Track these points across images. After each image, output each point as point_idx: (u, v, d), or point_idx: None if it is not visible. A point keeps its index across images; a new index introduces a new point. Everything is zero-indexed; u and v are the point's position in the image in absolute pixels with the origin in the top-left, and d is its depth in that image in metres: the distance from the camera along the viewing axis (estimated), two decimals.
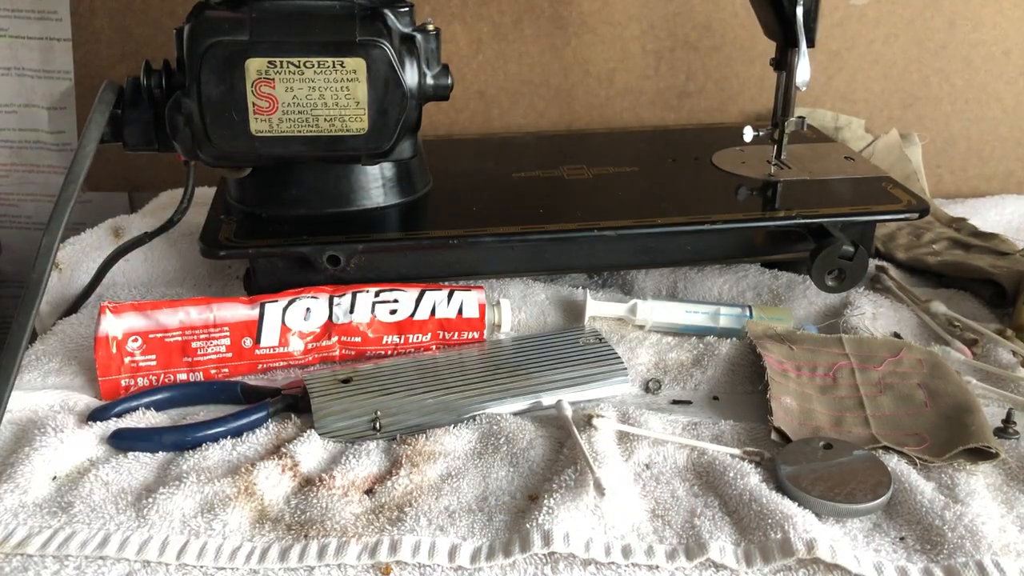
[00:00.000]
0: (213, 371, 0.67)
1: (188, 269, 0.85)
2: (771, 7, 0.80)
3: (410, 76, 0.71)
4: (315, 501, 0.54)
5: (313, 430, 0.60)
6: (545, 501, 0.52)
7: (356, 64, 0.69)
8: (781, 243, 0.80)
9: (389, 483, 0.55)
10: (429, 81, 0.73)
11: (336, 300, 0.69)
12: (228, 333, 0.67)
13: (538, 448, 0.59)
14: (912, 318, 0.76)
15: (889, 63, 1.07)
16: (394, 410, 0.61)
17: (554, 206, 0.80)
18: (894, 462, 0.57)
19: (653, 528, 0.52)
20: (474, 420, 0.62)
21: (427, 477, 0.56)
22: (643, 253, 0.79)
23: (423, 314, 0.70)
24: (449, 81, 0.74)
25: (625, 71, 1.08)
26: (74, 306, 0.79)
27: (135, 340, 0.65)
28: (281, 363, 0.69)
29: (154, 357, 0.66)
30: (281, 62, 0.68)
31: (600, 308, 0.75)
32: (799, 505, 0.53)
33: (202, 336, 0.66)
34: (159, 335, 0.66)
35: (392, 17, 0.71)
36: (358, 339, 0.69)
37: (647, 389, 0.67)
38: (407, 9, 0.73)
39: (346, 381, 0.64)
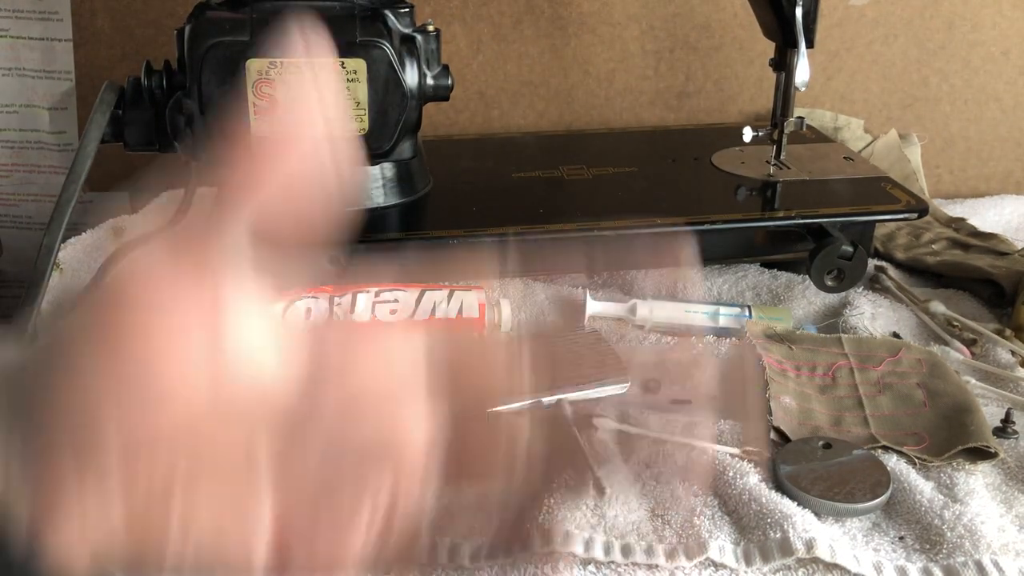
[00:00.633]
0: None
1: None
2: (770, 8, 0.80)
3: (410, 77, 0.71)
4: None
5: None
6: (545, 500, 0.52)
7: (356, 65, 0.69)
8: (780, 243, 0.80)
9: None
10: (429, 81, 0.73)
11: (336, 300, 0.69)
12: None
13: (538, 448, 0.59)
14: (911, 318, 0.76)
15: (888, 63, 1.07)
16: None
17: (554, 206, 0.80)
18: (893, 462, 0.57)
19: (653, 527, 0.52)
20: None
21: None
22: (643, 253, 0.79)
23: (423, 314, 0.70)
24: (449, 82, 0.74)
25: (625, 71, 1.08)
26: (74, 306, 0.79)
27: None
28: None
29: None
30: (281, 62, 0.68)
31: (600, 308, 0.75)
32: (798, 504, 0.53)
33: None
34: None
35: (392, 18, 0.71)
36: None
37: (647, 389, 0.67)
38: (407, 10, 0.73)
39: None
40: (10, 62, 1.07)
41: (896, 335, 0.72)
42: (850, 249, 0.74)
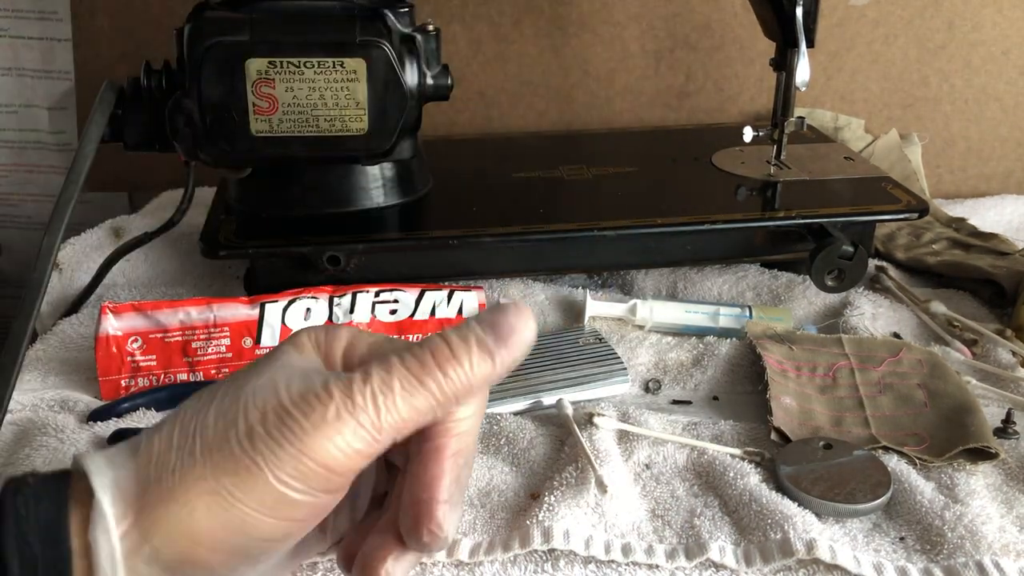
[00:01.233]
0: (213, 371, 0.67)
1: (188, 269, 0.85)
2: (771, 7, 0.80)
3: (410, 76, 0.71)
4: None
5: None
6: (546, 498, 0.52)
7: (356, 64, 0.69)
8: (781, 243, 0.80)
9: None
10: (429, 81, 0.73)
11: (336, 300, 0.69)
12: (228, 333, 0.67)
13: (539, 447, 0.59)
14: (912, 318, 0.76)
15: (889, 63, 1.07)
16: None
17: (554, 206, 0.80)
18: (894, 462, 0.57)
19: (653, 527, 0.52)
20: None
21: None
22: (643, 253, 0.79)
23: (423, 314, 0.70)
24: (449, 81, 0.74)
25: (625, 71, 1.08)
26: (74, 306, 0.79)
27: (135, 340, 0.66)
28: None
29: (154, 357, 0.66)
30: (281, 62, 0.68)
31: (600, 308, 0.75)
32: (799, 505, 0.53)
33: (202, 336, 0.66)
34: (159, 335, 0.66)
35: (392, 17, 0.71)
36: None
37: (647, 389, 0.67)
38: (407, 9, 0.73)
39: None
40: (9, 62, 1.07)
41: (897, 335, 0.72)
42: (851, 249, 0.74)
